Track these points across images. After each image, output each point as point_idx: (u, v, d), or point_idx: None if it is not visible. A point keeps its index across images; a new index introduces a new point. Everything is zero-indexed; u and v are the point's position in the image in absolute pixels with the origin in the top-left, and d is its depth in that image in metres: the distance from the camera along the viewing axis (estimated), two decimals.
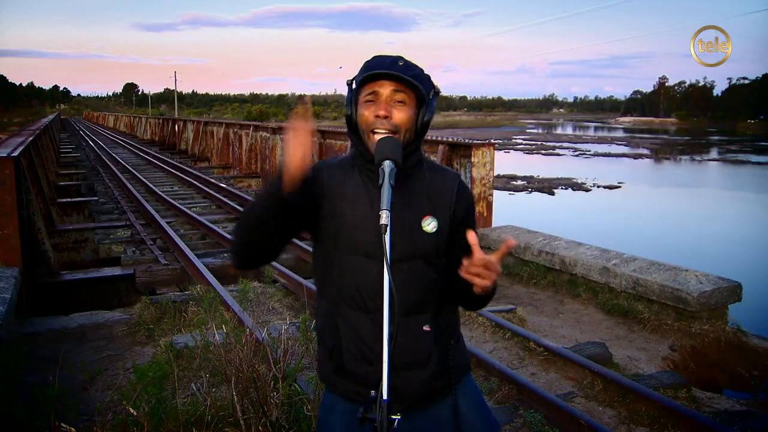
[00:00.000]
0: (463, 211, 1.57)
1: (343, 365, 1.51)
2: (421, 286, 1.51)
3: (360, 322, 1.49)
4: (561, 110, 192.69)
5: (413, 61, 1.51)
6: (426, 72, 1.52)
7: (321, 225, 1.54)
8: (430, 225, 1.49)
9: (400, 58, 1.48)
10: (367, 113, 1.47)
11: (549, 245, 6.46)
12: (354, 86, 1.51)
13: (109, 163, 18.90)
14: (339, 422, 1.55)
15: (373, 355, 1.46)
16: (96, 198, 11.87)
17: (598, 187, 21.16)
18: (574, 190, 20.50)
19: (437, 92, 1.53)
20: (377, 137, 1.44)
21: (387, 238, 1.30)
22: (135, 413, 2.59)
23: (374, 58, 1.51)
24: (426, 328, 1.52)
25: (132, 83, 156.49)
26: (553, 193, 19.78)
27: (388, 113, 1.45)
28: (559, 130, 77.10)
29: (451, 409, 1.55)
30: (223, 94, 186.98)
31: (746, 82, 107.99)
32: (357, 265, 1.49)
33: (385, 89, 1.45)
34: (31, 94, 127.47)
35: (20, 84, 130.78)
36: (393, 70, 1.44)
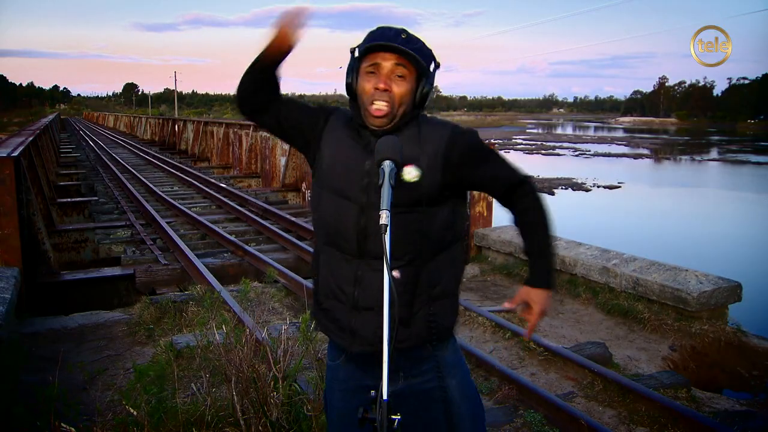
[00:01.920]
0: (460, 154, 1.55)
1: (319, 301, 1.61)
2: (397, 232, 1.44)
3: (334, 261, 1.56)
4: (561, 110, 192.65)
5: (416, 35, 1.52)
6: (428, 46, 1.55)
7: (314, 165, 1.63)
8: (410, 173, 1.48)
9: (404, 30, 1.51)
10: (367, 86, 1.50)
11: None
12: (356, 55, 1.54)
13: (109, 163, 18.90)
14: (337, 389, 1.63)
15: (343, 294, 1.54)
16: (96, 198, 11.87)
17: (598, 187, 21.16)
18: (574, 190, 20.50)
19: (438, 65, 1.56)
20: (375, 108, 1.49)
21: (387, 238, 1.30)
22: (135, 413, 2.59)
23: (378, 28, 1.53)
24: (395, 273, 1.50)
25: (132, 83, 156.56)
26: (553, 193, 19.76)
27: (387, 86, 1.48)
28: (559, 130, 77.09)
29: (435, 378, 1.57)
30: (223, 94, 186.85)
31: (746, 82, 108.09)
32: (336, 205, 1.54)
33: (387, 62, 1.48)
34: (31, 94, 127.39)
35: (20, 84, 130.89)
36: (396, 43, 1.46)
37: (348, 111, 1.64)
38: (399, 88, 1.48)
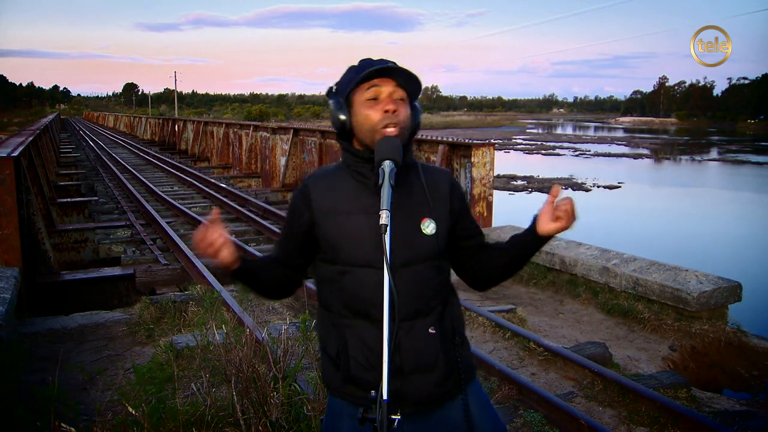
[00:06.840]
0: (459, 204, 1.59)
1: (350, 374, 1.49)
2: (425, 289, 1.50)
3: (366, 332, 1.47)
4: (561, 110, 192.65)
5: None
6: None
7: (320, 243, 1.53)
8: (429, 227, 1.49)
9: (389, 60, 1.49)
10: (372, 113, 1.45)
11: (549, 245, 6.42)
12: (345, 91, 1.48)
13: (109, 163, 18.91)
14: (347, 426, 1.53)
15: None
16: (96, 198, 11.88)
17: (598, 187, 21.16)
18: (574, 190, 20.48)
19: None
20: (388, 132, 1.44)
21: (387, 238, 1.30)
22: (135, 413, 2.59)
23: (364, 60, 1.51)
24: (431, 330, 1.50)
25: (132, 83, 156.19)
26: None
27: (396, 108, 1.45)
28: (559, 130, 77.07)
29: (461, 410, 1.53)
30: (223, 94, 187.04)
31: (746, 82, 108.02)
32: (359, 276, 1.48)
33: (387, 87, 1.46)
34: (31, 94, 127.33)
35: (20, 84, 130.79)
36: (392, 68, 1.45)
37: (322, 171, 1.59)
38: (403, 111, 1.47)
